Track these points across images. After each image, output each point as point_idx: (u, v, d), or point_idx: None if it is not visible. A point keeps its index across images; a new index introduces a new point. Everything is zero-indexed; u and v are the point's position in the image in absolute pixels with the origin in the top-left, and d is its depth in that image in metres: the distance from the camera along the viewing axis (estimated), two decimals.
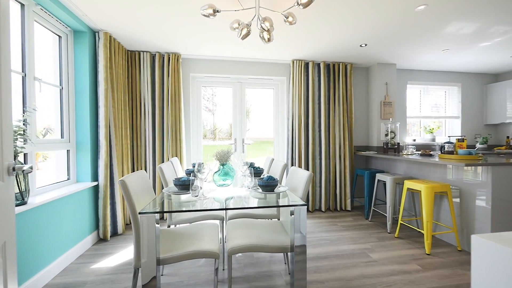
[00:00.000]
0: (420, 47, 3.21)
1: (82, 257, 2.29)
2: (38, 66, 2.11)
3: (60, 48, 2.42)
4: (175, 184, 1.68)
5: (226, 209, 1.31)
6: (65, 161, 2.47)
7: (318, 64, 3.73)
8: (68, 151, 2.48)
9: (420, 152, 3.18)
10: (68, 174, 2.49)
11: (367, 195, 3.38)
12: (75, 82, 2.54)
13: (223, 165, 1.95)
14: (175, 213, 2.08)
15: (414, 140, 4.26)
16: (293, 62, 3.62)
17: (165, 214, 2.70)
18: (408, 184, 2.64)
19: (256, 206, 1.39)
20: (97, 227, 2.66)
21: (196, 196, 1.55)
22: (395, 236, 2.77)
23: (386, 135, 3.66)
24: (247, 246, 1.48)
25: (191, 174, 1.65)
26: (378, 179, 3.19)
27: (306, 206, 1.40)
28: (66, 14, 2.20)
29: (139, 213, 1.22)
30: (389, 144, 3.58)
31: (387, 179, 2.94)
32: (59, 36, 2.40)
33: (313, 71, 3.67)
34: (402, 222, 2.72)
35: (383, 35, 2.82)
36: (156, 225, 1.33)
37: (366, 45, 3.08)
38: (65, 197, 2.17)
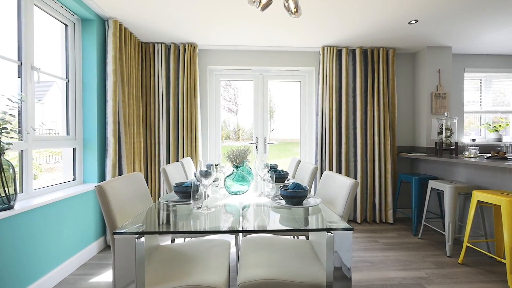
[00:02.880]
0: (487, 23, 2.53)
1: (84, 267, 2.05)
2: (42, 57, 1.92)
3: (66, 37, 2.24)
4: (175, 191, 1.33)
5: (232, 231, 0.92)
6: (71, 160, 2.28)
7: (353, 51, 3.20)
8: (74, 149, 2.29)
9: (489, 155, 2.50)
10: (74, 174, 2.29)
11: (416, 206, 2.77)
12: (82, 75, 2.35)
13: (237, 167, 1.56)
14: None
15: (474, 140, 3.49)
16: (323, 49, 3.13)
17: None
18: (478, 195, 2.02)
19: (278, 228, 0.97)
20: (104, 232, 2.44)
21: (198, 207, 1.18)
22: (459, 262, 2.15)
23: (440, 133, 3.00)
24: (265, 281, 1.07)
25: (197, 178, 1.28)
26: (431, 187, 2.57)
27: (351, 231, 0.95)
28: None
29: (113, 233, 0.87)
30: (443, 144, 2.92)
31: (446, 188, 2.32)
32: (65, 25, 2.22)
33: (347, 59, 3.14)
34: (468, 245, 2.10)
35: (441, 6, 2.23)
36: (140, 240, 0.97)
37: (416, 21, 2.50)
38: (64, 200, 1.94)
